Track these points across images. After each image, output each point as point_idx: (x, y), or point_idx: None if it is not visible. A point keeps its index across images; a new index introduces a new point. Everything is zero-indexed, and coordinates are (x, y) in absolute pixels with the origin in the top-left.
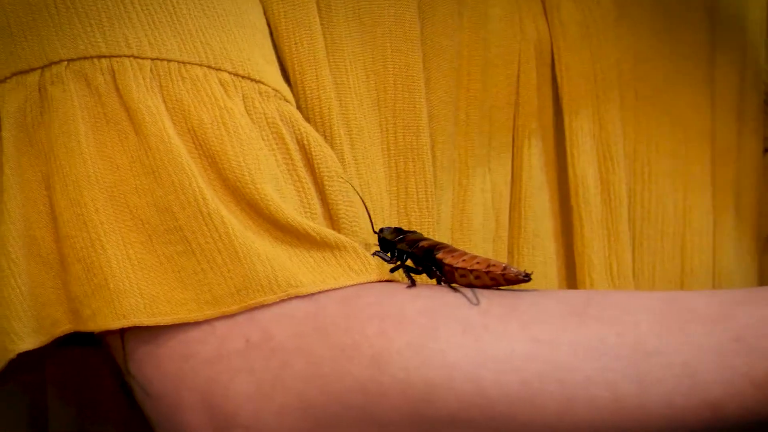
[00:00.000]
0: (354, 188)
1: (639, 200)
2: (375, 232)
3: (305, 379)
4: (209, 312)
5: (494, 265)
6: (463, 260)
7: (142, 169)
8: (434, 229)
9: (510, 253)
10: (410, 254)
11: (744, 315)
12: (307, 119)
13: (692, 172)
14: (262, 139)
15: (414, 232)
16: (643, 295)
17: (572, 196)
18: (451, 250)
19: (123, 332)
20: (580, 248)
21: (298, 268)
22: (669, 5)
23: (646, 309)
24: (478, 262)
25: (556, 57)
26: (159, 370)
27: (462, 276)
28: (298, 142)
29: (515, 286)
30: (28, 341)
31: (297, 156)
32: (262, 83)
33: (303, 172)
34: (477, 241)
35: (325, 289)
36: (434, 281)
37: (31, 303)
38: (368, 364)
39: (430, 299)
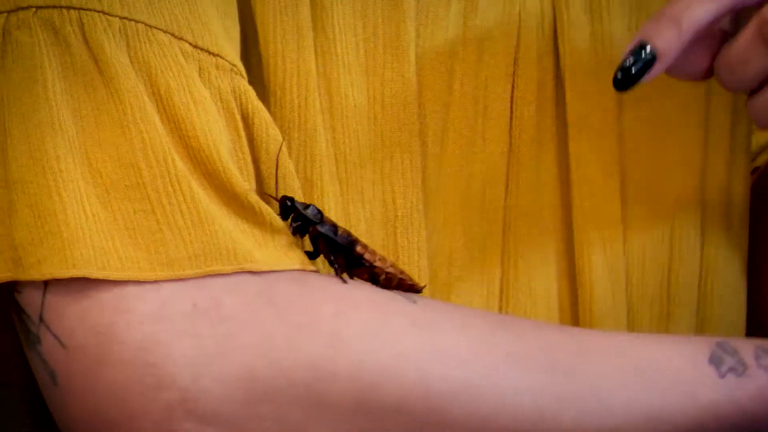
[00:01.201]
0: (276, 178)
1: (631, 181)
2: (289, 202)
3: (254, 350)
4: (162, 273)
5: (403, 273)
6: (379, 260)
7: (109, 121)
8: (418, 197)
9: (506, 224)
10: (327, 238)
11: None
12: (282, 89)
13: (680, 140)
14: (218, 112)
15: (319, 211)
16: (552, 326)
17: (572, 170)
18: (365, 246)
19: (46, 283)
20: (580, 222)
21: (251, 244)
22: None
23: (562, 336)
24: (391, 265)
25: (558, 30)
26: (85, 321)
27: (373, 274)
28: (244, 120)
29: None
30: None
31: (243, 134)
32: (220, 57)
33: (246, 150)
34: (470, 211)
35: (277, 269)
36: (331, 270)
37: None
38: (325, 342)
39: (373, 290)
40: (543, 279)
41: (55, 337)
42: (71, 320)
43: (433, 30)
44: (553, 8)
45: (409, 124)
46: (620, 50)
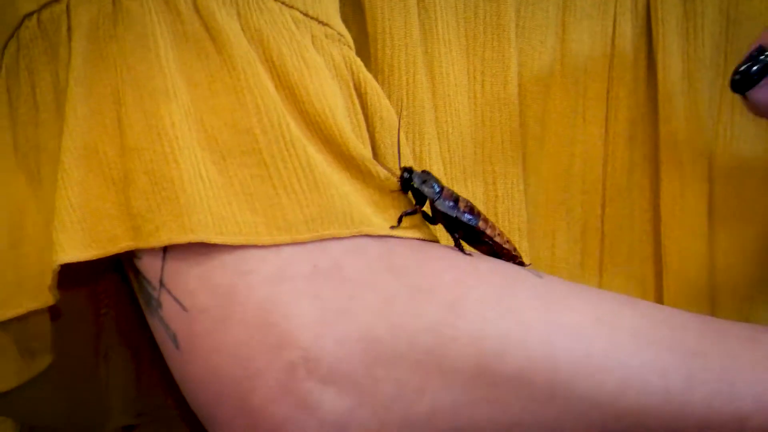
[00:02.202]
0: (399, 146)
1: (719, 163)
2: (407, 174)
3: (375, 312)
4: (279, 237)
5: (516, 249)
6: (498, 234)
7: (224, 88)
8: (519, 177)
9: (602, 206)
10: (445, 214)
11: None
12: (390, 66)
13: None
14: (332, 78)
15: (438, 183)
16: (678, 309)
17: (662, 151)
18: (486, 220)
19: (166, 248)
20: (668, 204)
21: (370, 209)
22: None
23: (689, 318)
24: (507, 240)
25: (652, 10)
26: (206, 283)
27: (493, 251)
28: (356, 89)
29: None
30: (71, 254)
31: (357, 102)
32: (329, 26)
33: (361, 118)
34: (573, 192)
35: (396, 235)
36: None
37: (81, 215)
38: (445, 307)
39: (497, 263)
40: (630, 261)
41: (176, 300)
42: (192, 283)
43: (533, 11)
44: None
45: (509, 104)
46: (713, 31)
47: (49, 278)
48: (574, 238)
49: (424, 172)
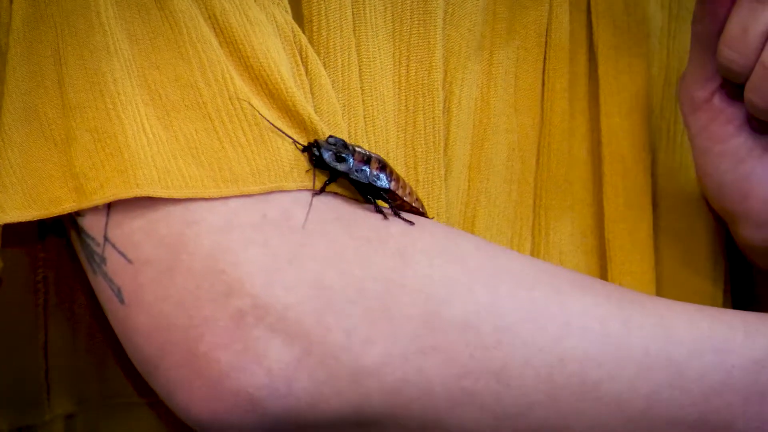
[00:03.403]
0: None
1: (663, 159)
2: (317, 151)
3: (325, 260)
4: (226, 189)
5: (423, 207)
6: (408, 194)
7: (166, 44)
8: (440, 164)
9: (537, 196)
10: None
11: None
12: (326, 48)
13: None
14: (275, 35)
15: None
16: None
17: (604, 145)
18: (397, 180)
19: (110, 204)
20: (611, 198)
21: None
22: None
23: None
24: (416, 199)
25: (592, 4)
26: (152, 234)
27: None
28: (299, 52)
29: None
30: (11, 214)
31: (300, 63)
32: None
33: (305, 79)
34: (497, 181)
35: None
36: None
37: (21, 176)
38: (393, 256)
39: (435, 222)
40: (573, 253)
41: (121, 253)
42: (137, 235)
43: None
44: None
45: (433, 90)
46: (654, 26)
47: None
48: (498, 226)
49: (330, 142)
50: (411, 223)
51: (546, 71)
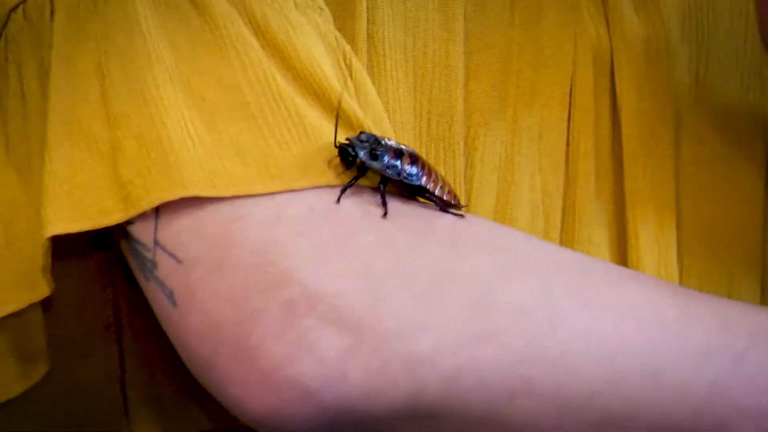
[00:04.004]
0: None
1: (688, 222)
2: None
3: (374, 249)
4: (273, 185)
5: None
6: (440, 187)
7: (206, 48)
8: None
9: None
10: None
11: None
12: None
13: (739, 182)
14: (318, 40)
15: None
16: None
17: (628, 209)
18: (428, 174)
19: (158, 208)
20: (635, 260)
21: None
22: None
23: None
24: (449, 191)
25: (616, 68)
26: (200, 232)
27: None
28: (344, 59)
29: None
30: (57, 225)
31: (345, 69)
32: None
33: (350, 84)
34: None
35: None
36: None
37: (68, 189)
38: (443, 245)
39: (481, 218)
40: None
41: (171, 255)
42: (186, 235)
43: (487, 56)
44: (611, 45)
45: (454, 144)
46: (680, 91)
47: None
48: None
49: (362, 139)
50: (461, 215)
51: (570, 132)
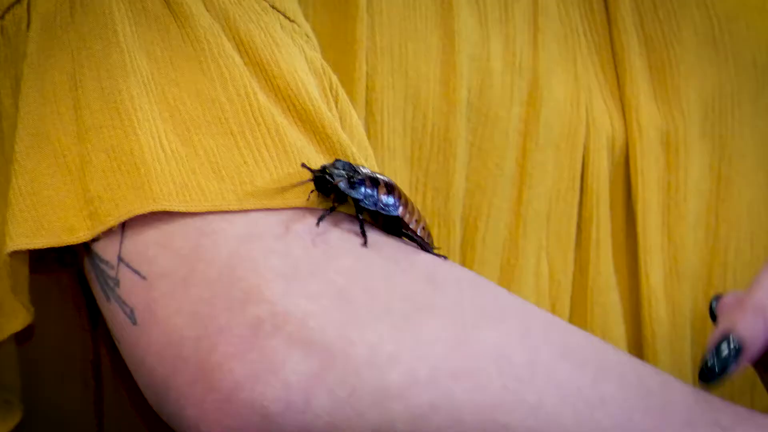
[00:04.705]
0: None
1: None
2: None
3: (350, 275)
4: (248, 203)
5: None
6: (422, 228)
7: (186, 61)
8: None
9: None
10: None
11: None
12: None
13: None
14: (303, 59)
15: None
16: None
17: (644, 308)
18: (410, 212)
19: (124, 224)
20: (651, 362)
21: None
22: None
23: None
24: (423, 228)
25: (631, 158)
26: (168, 246)
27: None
28: (329, 87)
29: None
30: (18, 241)
31: (330, 95)
32: (296, 24)
33: (335, 112)
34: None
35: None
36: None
37: (31, 203)
38: (422, 279)
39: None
40: None
41: (135, 271)
42: (152, 249)
43: (492, 132)
44: (626, 133)
45: (449, 222)
46: (702, 188)
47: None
48: None
49: (337, 166)
50: (443, 257)
51: (582, 218)
